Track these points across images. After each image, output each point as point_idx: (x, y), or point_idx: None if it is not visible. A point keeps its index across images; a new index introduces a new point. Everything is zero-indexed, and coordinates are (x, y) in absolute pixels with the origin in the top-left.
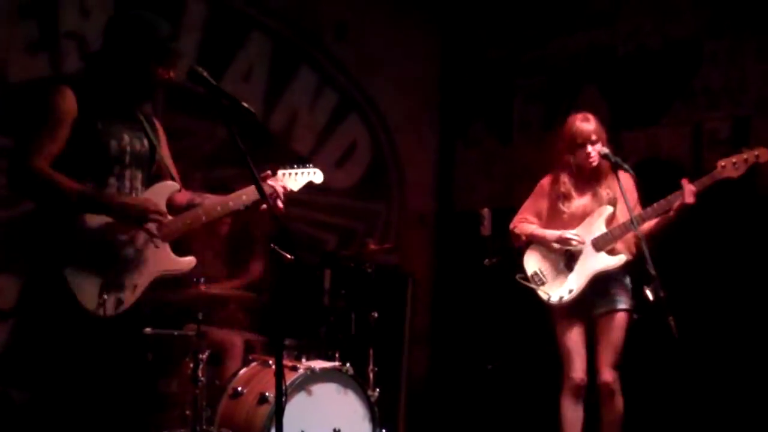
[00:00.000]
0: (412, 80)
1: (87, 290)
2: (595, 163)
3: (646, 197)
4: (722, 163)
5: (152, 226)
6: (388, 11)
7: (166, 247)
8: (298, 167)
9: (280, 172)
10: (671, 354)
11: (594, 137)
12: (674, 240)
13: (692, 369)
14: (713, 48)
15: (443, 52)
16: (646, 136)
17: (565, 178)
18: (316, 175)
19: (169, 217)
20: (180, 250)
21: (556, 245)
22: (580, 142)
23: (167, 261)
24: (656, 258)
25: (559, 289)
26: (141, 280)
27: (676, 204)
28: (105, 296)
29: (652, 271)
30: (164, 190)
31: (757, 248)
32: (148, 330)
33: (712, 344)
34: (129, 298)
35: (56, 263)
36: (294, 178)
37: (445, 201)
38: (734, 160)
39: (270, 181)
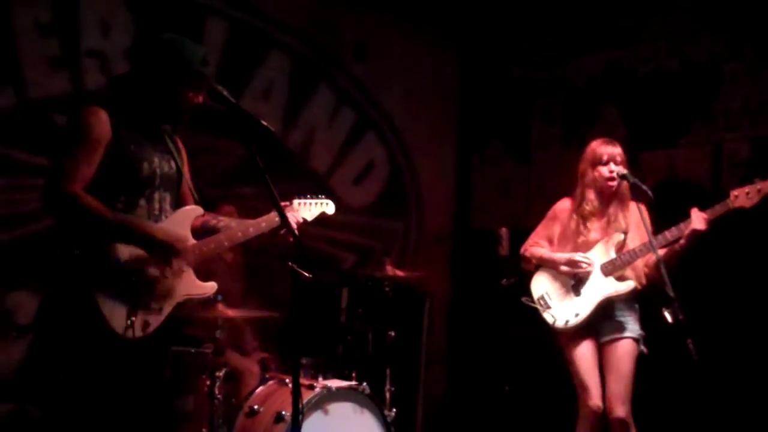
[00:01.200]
0: (430, 99)
1: (116, 313)
2: (614, 184)
3: (665, 218)
4: (735, 192)
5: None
6: (408, 30)
7: (190, 272)
8: (312, 197)
9: (296, 202)
10: (690, 377)
11: (619, 158)
12: (693, 262)
13: (712, 391)
14: (733, 69)
15: (461, 71)
16: (664, 157)
17: (591, 196)
18: (328, 207)
19: (193, 241)
20: (200, 274)
21: (564, 268)
22: (605, 161)
23: (192, 286)
24: (676, 280)
25: (566, 313)
26: (167, 304)
27: (687, 231)
28: (133, 319)
29: (671, 294)
30: (189, 215)
31: None
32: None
33: (732, 367)
34: (155, 321)
35: (87, 285)
36: (308, 208)
37: (462, 220)
38: (747, 190)
39: (287, 212)
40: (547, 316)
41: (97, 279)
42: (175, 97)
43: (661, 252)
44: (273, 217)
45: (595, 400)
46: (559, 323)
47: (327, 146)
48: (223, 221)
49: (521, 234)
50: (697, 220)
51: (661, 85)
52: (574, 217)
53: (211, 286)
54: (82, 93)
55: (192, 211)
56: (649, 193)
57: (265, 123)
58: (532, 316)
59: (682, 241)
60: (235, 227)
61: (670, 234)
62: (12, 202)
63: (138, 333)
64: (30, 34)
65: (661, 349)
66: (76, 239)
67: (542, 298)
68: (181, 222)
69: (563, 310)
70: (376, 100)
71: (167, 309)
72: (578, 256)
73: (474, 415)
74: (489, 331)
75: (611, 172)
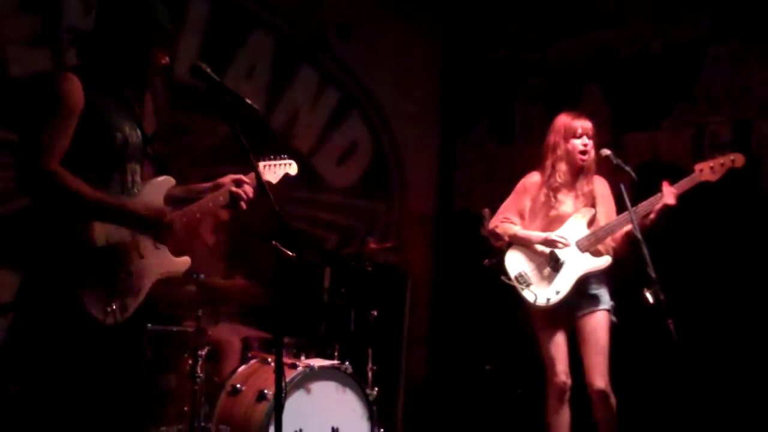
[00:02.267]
0: (414, 80)
1: (94, 298)
2: (585, 158)
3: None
4: (699, 166)
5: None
6: (391, 11)
7: (166, 249)
8: (275, 159)
9: (261, 164)
10: (670, 357)
11: (590, 132)
12: (675, 242)
13: (692, 372)
14: (716, 52)
15: (446, 52)
16: (647, 139)
17: (563, 168)
18: (291, 167)
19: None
20: (176, 251)
21: (540, 247)
22: (579, 135)
23: (167, 263)
24: (656, 260)
25: (546, 291)
26: (144, 284)
27: (658, 206)
28: (113, 306)
29: (653, 274)
30: (162, 187)
31: (758, 250)
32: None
33: (712, 347)
34: (133, 302)
35: (64, 267)
36: (273, 170)
37: (445, 201)
38: (711, 164)
39: (246, 178)
40: (528, 294)
41: (74, 263)
42: (140, 55)
43: (629, 227)
44: (222, 192)
45: (561, 376)
46: (541, 301)
47: (310, 126)
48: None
49: None
50: (668, 194)
51: (644, 67)
52: (545, 190)
53: (184, 262)
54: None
55: (164, 182)
56: (633, 174)
57: (249, 102)
58: (513, 296)
59: (652, 216)
60: (207, 197)
61: (641, 208)
62: None
63: (118, 317)
64: (11, 11)
65: (640, 330)
66: (53, 219)
67: (520, 276)
68: (154, 192)
69: (543, 287)
70: (360, 80)
71: (145, 289)
72: (554, 236)
73: (455, 394)
74: (470, 311)
75: (585, 145)
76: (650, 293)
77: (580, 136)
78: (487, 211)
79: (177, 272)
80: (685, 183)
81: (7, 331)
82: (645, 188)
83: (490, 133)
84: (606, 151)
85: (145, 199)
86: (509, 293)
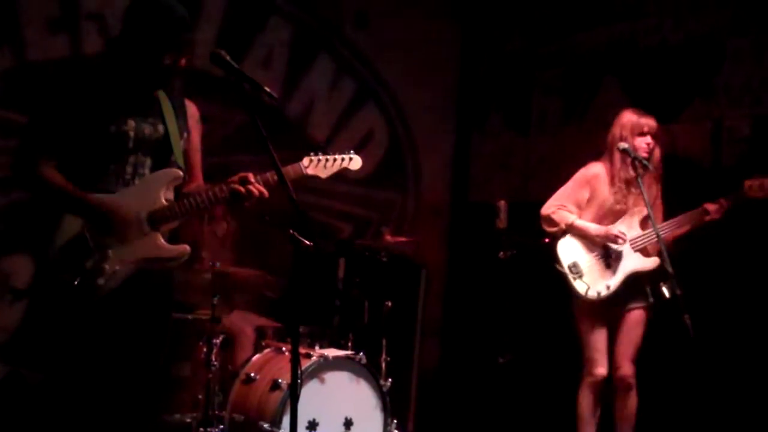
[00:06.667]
0: (430, 70)
1: (71, 279)
2: (647, 156)
3: (663, 193)
4: (749, 183)
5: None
6: (408, 1)
7: (156, 235)
8: (331, 153)
9: (306, 159)
10: (686, 352)
11: (655, 132)
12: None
13: (707, 367)
14: (736, 45)
15: (463, 43)
16: (664, 132)
17: (628, 163)
18: (353, 162)
19: (165, 203)
20: (179, 239)
21: (599, 240)
22: (646, 131)
23: (153, 248)
24: (674, 256)
25: (598, 284)
26: (122, 267)
27: (706, 219)
28: (80, 279)
29: (670, 269)
30: (163, 178)
31: None
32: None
33: (729, 342)
34: (108, 284)
35: (49, 247)
36: (323, 165)
37: (460, 192)
38: (760, 182)
39: (293, 170)
40: (579, 285)
41: (56, 249)
42: (155, 59)
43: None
44: (221, 188)
45: (602, 369)
46: (592, 294)
47: (326, 115)
48: (192, 186)
49: (520, 207)
50: (716, 211)
51: (663, 59)
52: (617, 184)
53: (180, 249)
54: (80, 56)
55: (163, 175)
56: (650, 168)
57: (268, 90)
58: (527, 289)
59: (687, 227)
60: (208, 190)
61: (676, 222)
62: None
63: (89, 293)
64: None
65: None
66: (43, 209)
67: (574, 265)
68: (147, 186)
69: (596, 281)
70: (376, 70)
71: (123, 270)
72: (616, 230)
73: (468, 386)
74: (484, 303)
75: (648, 144)
76: (667, 288)
77: (645, 134)
78: (502, 203)
79: (166, 258)
80: (734, 199)
81: (23, 315)
82: (662, 182)
83: (505, 125)
84: (623, 145)
85: (131, 192)
86: (525, 286)
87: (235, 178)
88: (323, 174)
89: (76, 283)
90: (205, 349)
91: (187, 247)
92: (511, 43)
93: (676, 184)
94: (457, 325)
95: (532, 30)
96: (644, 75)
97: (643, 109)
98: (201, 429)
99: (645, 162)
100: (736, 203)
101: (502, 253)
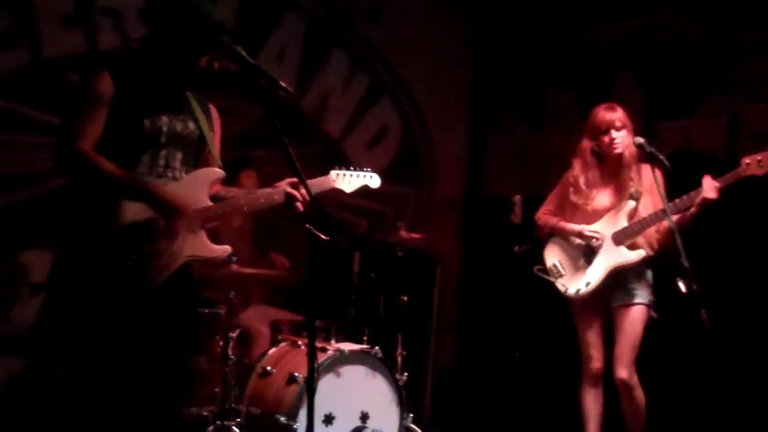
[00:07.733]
0: (445, 65)
1: (116, 274)
2: (618, 151)
3: (679, 189)
4: (747, 160)
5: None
6: None
7: (202, 234)
8: (355, 170)
9: (333, 173)
10: (703, 347)
11: (618, 123)
12: (708, 233)
13: (724, 362)
14: (752, 39)
15: (477, 38)
16: (680, 127)
17: (593, 163)
18: (372, 180)
19: (206, 203)
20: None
21: (576, 239)
22: (604, 129)
23: (200, 247)
24: (690, 251)
25: (577, 282)
26: (168, 264)
27: (698, 200)
28: (133, 275)
29: (686, 264)
30: (206, 176)
31: None
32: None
33: (745, 338)
34: (157, 278)
35: (92, 240)
36: (348, 180)
37: (475, 187)
38: (759, 157)
39: (321, 182)
40: (559, 285)
41: (99, 241)
42: (191, 61)
43: (674, 219)
44: (277, 191)
45: (595, 362)
46: (571, 292)
47: (341, 110)
48: (232, 192)
49: (535, 202)
50: (709, 188)
51: (678, 54)
52: (571, 188)
53: (223, 250)
54: (95, 52)
55: (208, 173)
56: (666, 162)
57: (284, 85)
58: (542, 283)
59: (692, 209)
60: (258, 193)
61: (680, 202)
62: (28, 161)
63: (139, 288)
64: None
65: (674, 320)
66: (85, 199)
67: (554, 266)
68: (195, 183)
69: (575, 279)
70: (390, 65)
71: (170, 268)
72: (588, 231)
73: (483, 380)
74: (499, 298)
75: (612, 139)
76: (683, 283)
77: (606, 131)
78: (517, 197)
79: (211, 258)
80: (730, 177)
81: (40, 308)
82: (678, 178)
83: (521, 120)
84: (639, 139)
85: (183, 186)
86: (540, 280)
87: (283, 183)
88: (347, 189)
89: (132, 276)
90: (221, 343)
91: (229, 248)
92: (526, 38)
93: (692, 179)
94: (473, 320)
95: (547, 25)
96: (660, 70)
97: (659, 104)
98: (218, 422)
99: (659, 155)
100: (734, 181)
101: (517, 247)
